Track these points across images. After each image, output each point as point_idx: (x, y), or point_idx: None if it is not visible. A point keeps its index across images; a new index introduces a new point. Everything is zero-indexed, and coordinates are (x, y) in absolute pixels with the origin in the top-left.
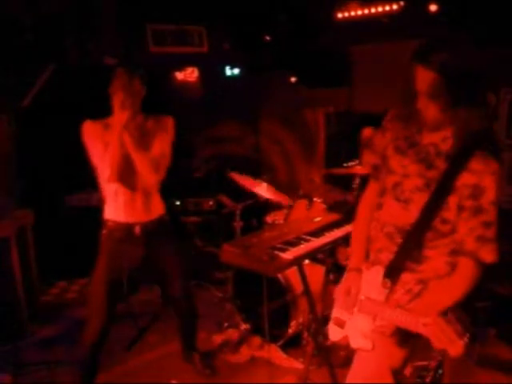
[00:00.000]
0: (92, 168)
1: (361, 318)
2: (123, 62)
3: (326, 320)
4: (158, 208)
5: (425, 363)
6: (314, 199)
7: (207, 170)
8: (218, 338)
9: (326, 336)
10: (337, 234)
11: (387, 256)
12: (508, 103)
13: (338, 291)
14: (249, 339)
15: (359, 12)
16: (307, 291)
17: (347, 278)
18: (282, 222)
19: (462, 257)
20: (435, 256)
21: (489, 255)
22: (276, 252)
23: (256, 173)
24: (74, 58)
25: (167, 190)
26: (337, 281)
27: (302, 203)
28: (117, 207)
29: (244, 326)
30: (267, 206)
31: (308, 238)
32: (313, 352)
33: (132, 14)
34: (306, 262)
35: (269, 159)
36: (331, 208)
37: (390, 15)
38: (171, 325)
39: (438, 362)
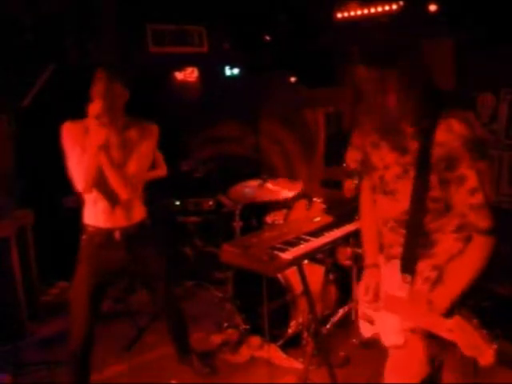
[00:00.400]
0: (67, 171)
1: (389, 316)
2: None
3: (325, 320)
4: (138, 212)
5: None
6: (314, 199)
7: (207, 170)
8: (217, 338)
9: (357, 333)
10: (336, 233)
11: (398, 250)
12: (508, 103)
13: (360, 289)
14: (248, 339)
15: (359, 12)
16: (307, 291)
17: (366, 275)
18: (281, 222)
19: (469, 231)
20: (442, 237)
21: (483, 222)
22: (276, 252)
23: (256, 173)
24: (74, 58)
25: (167, 190)
26: (337, 281)
27: (301, 203)
28: (96, 213)
29: (244, 326)
30: (267, 206)
31: (308, 238)
32: (312, 352)
33: (132, 13)
34: (306, 262)
35: (269, 159)
36: (330, 208)
37: (389, 15)
38: None
39: (437, 362)
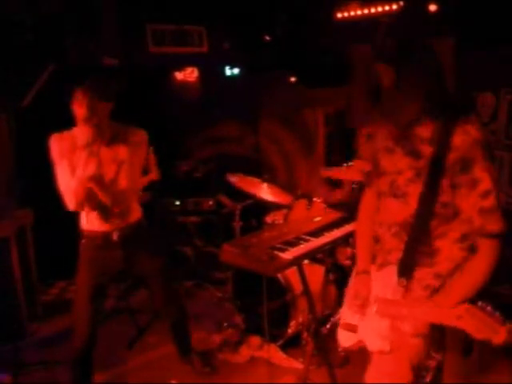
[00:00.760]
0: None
1: (377, 320)
2: (121, 62)
3: (325, 320)
4: (134, 212)
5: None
6: (314, 199)
7: (206, 170)
8: (217, 338)
9: (336, 343)
10: (336, 234)
11: (397, 255)
12: (508, 103)
13: (347, 295)
14: (248, 339)
15: (359, 12)
16: (307, 291)
17: (355, 282)
18: (281, 222)
19: (476, 237)
20: (446, 245)
21: (494, 225)
22: (275, 252)
23: (256, 173)
24: (74, 58)
25: (167, 190)
26: (337, 281)
27: (301, 203)
28: (92, 219)
29: (243, 326)
30: (267, 206)
31: (307, 238)
32: (312, 352)
33: (132, 13)
34: (306, 262)
35: (269, 159)
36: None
37: (389, 15)
38: None
39: (437, 362)
